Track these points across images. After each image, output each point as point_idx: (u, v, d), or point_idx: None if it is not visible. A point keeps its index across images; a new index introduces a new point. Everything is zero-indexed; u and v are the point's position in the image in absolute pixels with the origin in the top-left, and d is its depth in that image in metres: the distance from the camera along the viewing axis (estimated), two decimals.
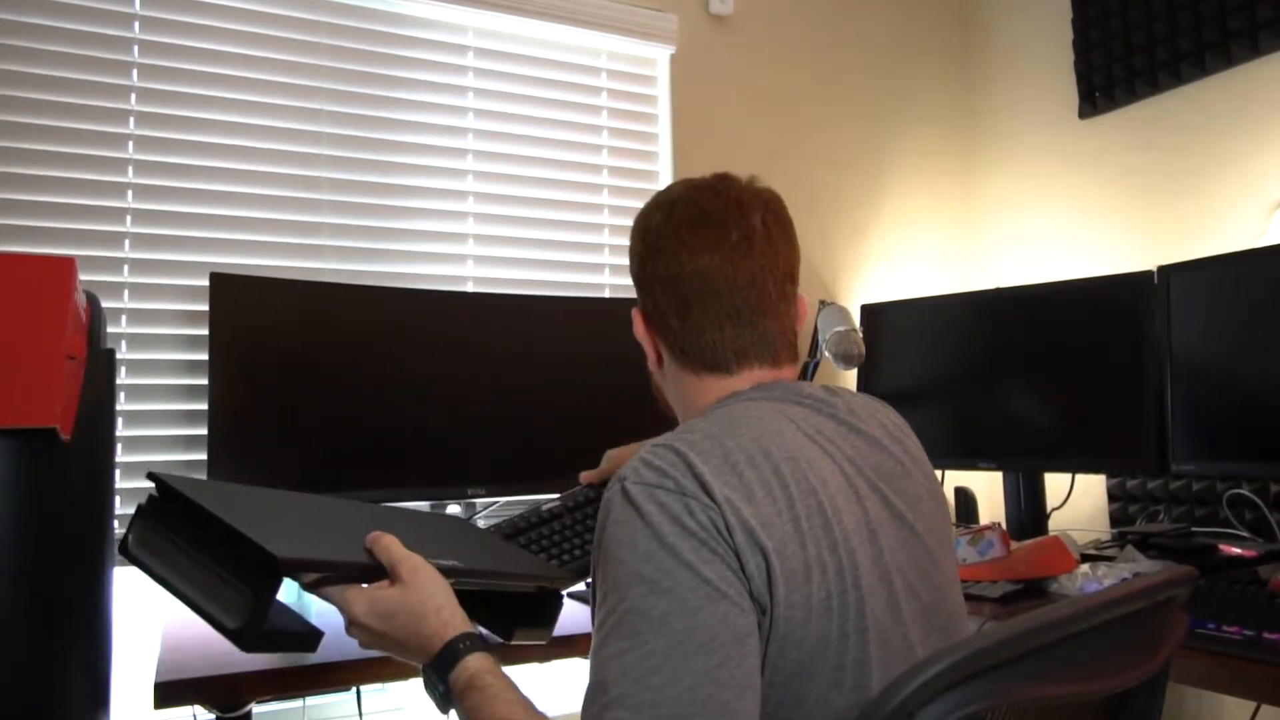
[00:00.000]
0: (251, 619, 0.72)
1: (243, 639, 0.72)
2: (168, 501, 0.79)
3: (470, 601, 0.82)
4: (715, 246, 0.82)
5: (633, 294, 0.90)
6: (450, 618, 0.75)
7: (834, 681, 0.65)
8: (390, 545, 0.78)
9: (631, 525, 0.66)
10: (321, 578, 0.77)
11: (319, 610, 1.22)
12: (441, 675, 0.73)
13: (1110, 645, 0.64)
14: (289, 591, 0.96)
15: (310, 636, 0.79)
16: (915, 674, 0.53)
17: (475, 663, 0.72)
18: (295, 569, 0.72)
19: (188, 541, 0.78)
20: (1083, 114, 2.11)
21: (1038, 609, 0.60)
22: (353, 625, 0.76)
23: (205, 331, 1.44)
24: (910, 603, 0.72)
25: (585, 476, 1.17)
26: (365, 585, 0.76)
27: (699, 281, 0.82)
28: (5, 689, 0.99)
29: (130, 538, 0.81)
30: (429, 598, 0.75)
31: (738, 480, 0.67)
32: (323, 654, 1.11)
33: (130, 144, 1.58)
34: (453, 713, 0.74)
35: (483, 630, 0.79)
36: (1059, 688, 0.59)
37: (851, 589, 0.67)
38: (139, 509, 0.81)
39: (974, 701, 0.54)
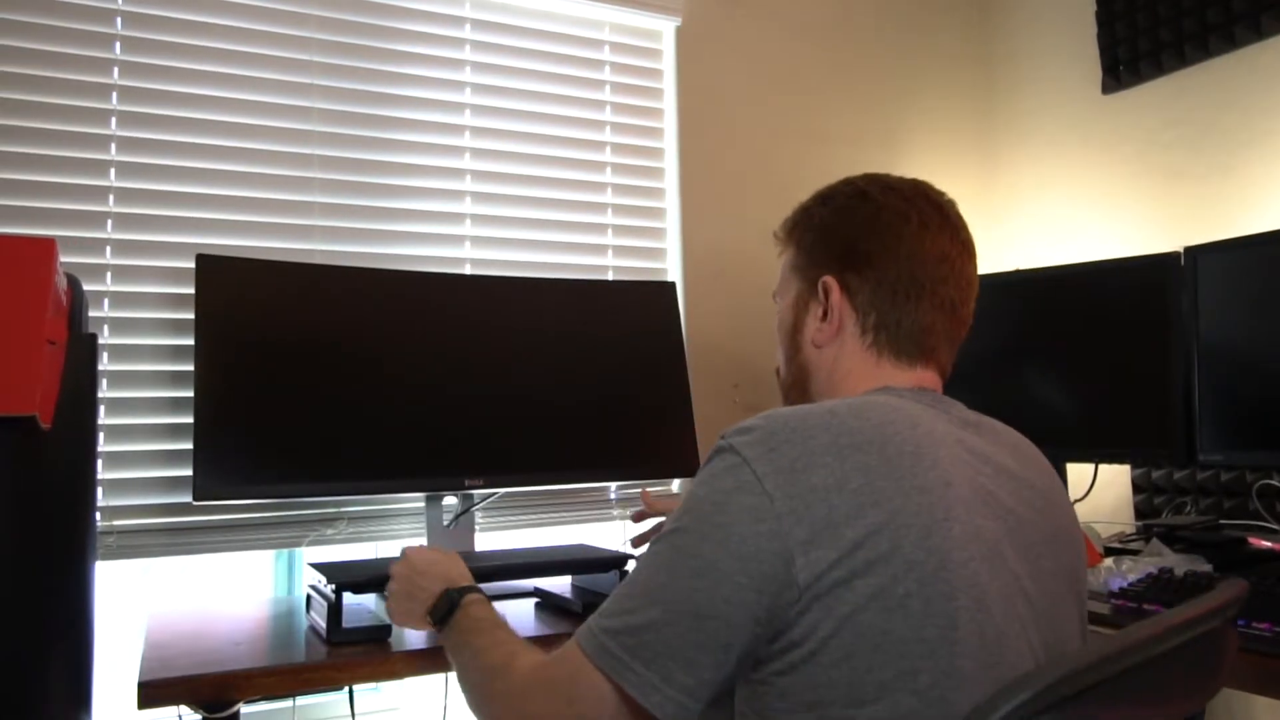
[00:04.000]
0: (328, 624, 1.16)
1: (327, 638, 1.16)
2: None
3: None
4: (950, 242, 0.85)
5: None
6: (443, 578, 1.02)
7: (901, 682, 0.63)
8: (405, 548, 1.10)
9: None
10: (378, 589, 1.18)
11: None
12: (438, 614, 0.99)
13: (1180, 667, 0.63)
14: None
15: (380, 629, 1.17)
16: (1006, 697, 0.54)
17: (467, 605, 0.96)
18: (345, 589, 1.16)
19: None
20: (1106, 89, 2.05)
21: (1121, 630, 0.58)
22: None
23: (191, 315, 1.40)
24: (1034, 618, 0.72)
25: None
26: None
27: (935, 267, 0.83)
28: None
29: None
30: (422, 565, 1.05)
31: (838, 464, 0.67)
32: (313, 653, 1.11)
33: (113, 120, 1.53)
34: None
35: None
36: (1131, 711, 0.59)
37: (942, 597, 0.65)
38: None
39: None
